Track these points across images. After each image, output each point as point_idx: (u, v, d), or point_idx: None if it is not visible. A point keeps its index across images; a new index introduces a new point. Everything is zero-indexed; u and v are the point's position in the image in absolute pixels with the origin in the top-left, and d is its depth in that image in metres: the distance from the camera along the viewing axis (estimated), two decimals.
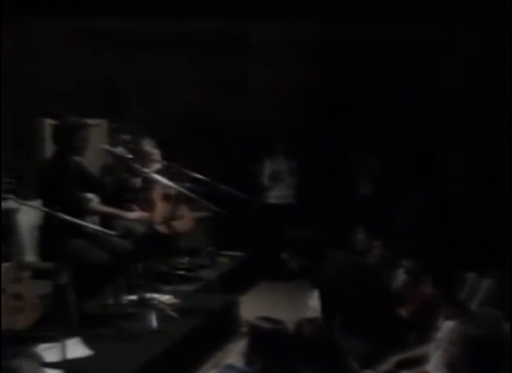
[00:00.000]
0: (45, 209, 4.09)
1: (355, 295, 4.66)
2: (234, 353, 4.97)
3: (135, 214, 5.48)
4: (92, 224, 5.01)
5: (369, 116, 8.93)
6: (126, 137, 6.59)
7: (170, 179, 6.43)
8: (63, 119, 5.31)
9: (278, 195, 8.68)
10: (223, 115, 9.33)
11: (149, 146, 6.69)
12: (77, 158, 5.33)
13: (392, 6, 8.00)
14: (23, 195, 4.99)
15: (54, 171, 5.12)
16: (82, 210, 5.08)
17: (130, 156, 5.53)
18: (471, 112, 8.92)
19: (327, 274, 4.77)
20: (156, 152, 6.70)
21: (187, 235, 7.05)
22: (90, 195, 5.46)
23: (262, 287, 7.92)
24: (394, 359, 4.17)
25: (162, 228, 6.53)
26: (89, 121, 7.37)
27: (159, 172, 6.42)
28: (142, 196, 6.54)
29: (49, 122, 7.44)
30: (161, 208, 6.77)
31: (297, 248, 4.96)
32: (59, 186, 5.02)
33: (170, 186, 6.25)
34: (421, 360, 4.05)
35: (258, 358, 3.55)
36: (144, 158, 6.49)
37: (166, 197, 6.76)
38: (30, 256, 5.16)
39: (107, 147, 5.75)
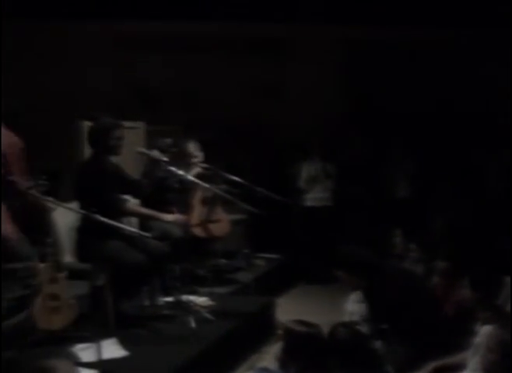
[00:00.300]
0: (81, 211, 4.12)
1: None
2: (269, 356, 4.94)
3: (172, 217, 5.48)
4: (128, 226, 5.02)
5: (407, 118, 8.85)
6: (168, 140, 6.62)
7: (207, 181, 6.46)
8: (97, 120, 5.35)
9: (314, 197, 8.64)
10: (261, 117, 9.34)
11: (192, 148, 6.71)
12: (113, 160, 5.37)
13: (431, 10, 7.93)
14: (62, 196, 5.05)
15: (90, 172, 5.16)
16: (119, 212, 5.11)
17: (165, 159, 5.54)
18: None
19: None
20: (198, 154, 6.71)
21: (225, 237, 7.06)
22: (127, 196, 5.50)
23: (298, 290, 7.90)
24: (431, 365, 4.12)
25: (198, 231, 6.56)
26: (127, 124, 7.51)
27: (197, 174, 6.45)
28: (179, 198, 6.57)
29: (88, 124, 7.52)
30: (198, 210, 6.79)
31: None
32: (95, 187, 5.06)
33: (207, 189, 6.28)
34: (458, 367, 3.99)
35: (292, 362, 3.54)
36: (186, 160, 6.52)
37: (204, 200, 6.78)
38: (68, 257, 5.22)
39: (143, 149, 5.78)
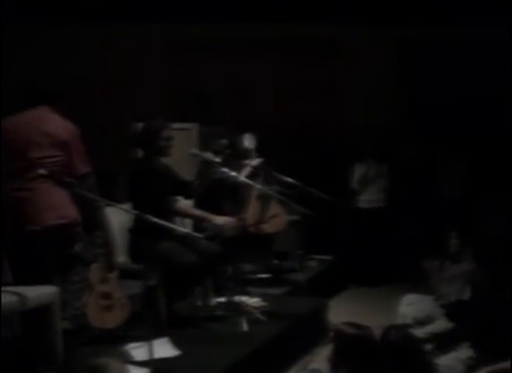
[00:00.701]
0: (134, 211, 4.17)
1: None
2: (321, 358, 4.93)
3: (222, 219, 5.43)
4: (181, 226, 5.06)
5: (458, 117, 8.73)
6: (223, 141, 6.65)
7: (260, 182, 6.49)
8: (146, 122, 5.41)
9: (367, 199, 8.59)
10: (313, 118, 9.32)
11: (247, 141, 6.74)
12: (164, 161, 5.42)
13: (480, 7, 7.80)
14: (118, 197, 5.12)
15: (142, 173, 5.22)
16: (170, 212, 5.15)
17: (218, 160, 5.58)
18: None
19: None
20: (253, 148, 6.73)
21: (278, 237, 7.06)
22: (178, 197, 5.55)
23: (351, 292, 7.86)
24: (485, 369, 4.06)
25: (252, 231, 6.58)
26: (180, 125, 7.58)
27: (249, 175, 6.47)
28: (232, 199, 6.60)
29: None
30: (252, 211, 6.82)
31: None
32: (146, 187, 5.11)
33: (260, 189, 6.30)
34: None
35: (343, 364, 3.52)
36: (240, 161, 6.55)
37: (257, 200, 6.80)
38: (121, 257, 5.29)
39: (195, 151, 5.82)
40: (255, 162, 6.67)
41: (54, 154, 4.64)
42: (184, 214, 5.48)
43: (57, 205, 4.64)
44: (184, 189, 5.54)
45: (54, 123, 4.72)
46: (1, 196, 4.65)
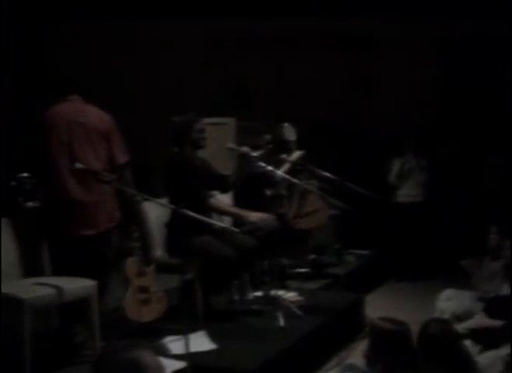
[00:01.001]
0: (170, 205, 4.19)
1: None
2: (357, 353, 4.91)
3: (256, 216, 5.36)
4: (218, 221, 5.07)
5: (495, 112, 8.61)
6: (267, 136, 6.64)
7: (298, 176, 6.48)
8: (179, 117, 5.44)
9: (406, 194, 8.51)
10: (352, 113, 9.27)
11: (287, 132, 6.74)
12: (201, 156, 5.44)
13: None
14: (154, 192, 5.15)
15: (178, 167, 5.25)
16: (205, 207, 5.16)
17: (255, 154, 5.57)
18: None
19: None
20: (293, 139, 6.73)
21: (315, 232, 7.05)
22: (214, 192, 5.56)
23: (388, 287, 7.82)
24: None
25: (294, 226, 6.58)
26: (217, 120, 7.60)
27: (288, 170, 6.47)
28: (271, 193, 6.60)
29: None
30: (291, 205, 6.81)
31: None
32: (182, 182, 5.14)
33: (298, 184, 6.29)
34: None
35: (379, 359, 3.50)
36: (283, 150, 6.56)
37: (296, 195, 6.79)
38: (158, 251, 5.32)
39: (232, 145, 5.82)
40: (296, 154, 6.66)
41: (93, 146, 4.71)
42: (218, 210, 5.46)
43: (110, 209, 4.75)
44: (221, 184, 5.55)
45: (92, 115, 4.78)
46: (51, 195, 4.74)
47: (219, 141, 6.66)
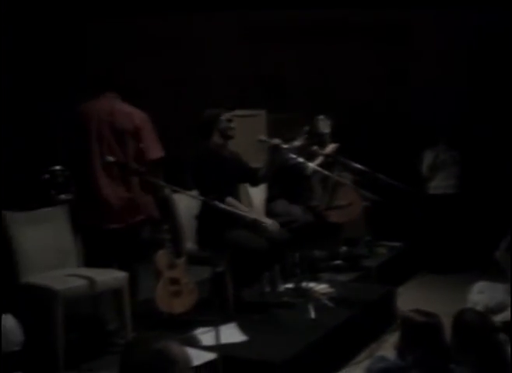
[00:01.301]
0: (201, 197, 4.20)
1: None
2: (389, 345, 4.88)
3: (268, 223, 5.21)
4: (248, 212, 5.06)
5: None
6: (305, 128, 6.63)
7: (331, 169, 6.46)
8: (208, 110, 5.47)
9: (438, 185, 8.43)
10: (386, 104, 9.22)
11: (322, 124, 6.72)
12: (230, 148, 5.45)
13: None
14: (185, 184, 5.17)
15: (205, 159, 5.26)
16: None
17: (285, 146, 5.56)
18: None
19: None
20: (327, 131, 6.72)
21: (347, 224, 7.02)
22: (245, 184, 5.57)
23: (420, 279, 7.76)
24: None
25: (324, 217, 6.58)
26: (249, 112, 7.60)
27: (325, 163, 6.47)
28: (303, 185, 6.59)
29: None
30: (323, 197, 6.80)
31: None
32: (212, 174, 5.15)
33: (330, 176, 6.27)
34: None
35: (410, 351, 3.48)
36: (317, 142, 6.56)
37: (328, 187, 6.78)
38: (189, 243, 5.34)
39: (262, 137, 5.82)
40: (330, 147, 6.64)
41: (120, 145, 4.76)
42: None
43: (139, 203, 4.80)
44: (250, 177, 5.55)
45: (121, 114, 4.83)
46: (83, 188, 4.82)
47: (250, 133, 6.67)
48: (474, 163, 8.53)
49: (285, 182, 6.32)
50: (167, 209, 4.99)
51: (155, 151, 4.85)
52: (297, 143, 6.38)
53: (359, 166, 6.10)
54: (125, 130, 4.78)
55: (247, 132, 6.66)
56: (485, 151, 8.74)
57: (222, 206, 4.38)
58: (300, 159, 5.50)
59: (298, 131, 6.56)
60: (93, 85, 5.15)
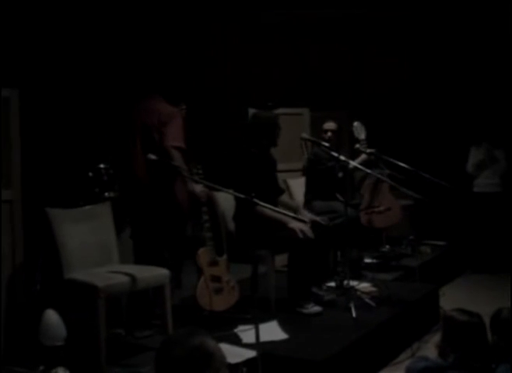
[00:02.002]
0: (242, 195, 4.20)
1: None
2: (431, 345, 4.83)
3: (296, 225, 5.06)
4: (285, 210, 5.04)
5: None
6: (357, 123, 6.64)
7: (372, 166, 6.42)
8: (257, 113, 5.47)
9: (483, 183, 8.31)
10: (426, 100, 9.14)
11: (358, 132, 6.70)
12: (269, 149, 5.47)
13: None
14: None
15: (252, 164, 5.28)
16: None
17: (326, 144, 5.54)
18: None
19: None
20: (363, 136, 6.69)
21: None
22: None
23: (464, 279, 7.67)
24: None
25: (365, 220, 6.55)
26: (292, 110, 7.60)
27: (362, 161, 6.43)
28: (343, 184, 6.57)
29: (252, 111, 7.66)
30: (363, 196, 6.78)
31: None
32: (256, 177, 5.17)
33: (370, 175, 6.24)
34: None
35: (452, 351, 3.44)
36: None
37: (369, 186, 6.75)
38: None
39: (305, 135, 5.81)
40: (364, 155, 6.61)
41: (153, 137, 4.85)
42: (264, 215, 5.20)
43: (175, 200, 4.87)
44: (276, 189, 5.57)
45: (152, 108, 4.91)
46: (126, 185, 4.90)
47: (293, 131, 6.68)
48: None
49: (322, 183, 6.31)
50: (209, 206, 5.00)
51: (174, 140, 4.87)
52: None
53: (401, 164, 6.04)
54: (151, 125, 4.86)
55: (290, 130, 6.67)
56: None
57: (264, 204, 4.33)
58: (342, 157, 5.44)
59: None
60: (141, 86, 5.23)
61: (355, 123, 6.71)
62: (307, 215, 5.32)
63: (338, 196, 6.05)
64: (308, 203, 6.29)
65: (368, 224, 6.62)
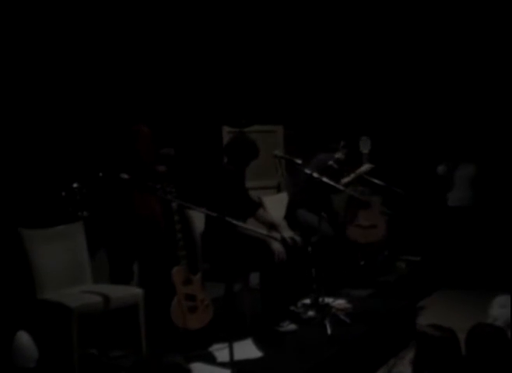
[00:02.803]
0: (213, 213, 4.18)
1: None
2: (406, 361, 4.84)
3: (273, 245, 5.05)
4: (257, 229, 5.02)
5: None
6: (342, 141, 6.67)
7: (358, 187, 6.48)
8: (237, 134, 5.51)
9: (456, 197, 8.36)
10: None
11: (363, 146, 6.76)
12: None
13: None
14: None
15: (228, 181, 5.28)
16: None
17: (299, 161, 5.56)
18: None
19: None
20: (366, 154, 6.75)
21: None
22: None
23: (440, 294, 7.69)
24: None
25: (350, 235, 6.59)
26: (266, 127, 7.63)
27: (352, 182, 6.49)
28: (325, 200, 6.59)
29: (227, 129, 7.68)
30: (345, 213, 6.80)
31: None
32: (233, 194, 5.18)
33: (349, 192, 6.28)
34: None
35: (426, 367, 3.45)
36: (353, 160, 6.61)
37: (353, 203, 6.79)
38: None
39: (277, 152, 5.83)
40: (365, 167, 6.66)
41: None
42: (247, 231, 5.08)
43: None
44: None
45: None
46: None
47: (267, 149, 6.70)
48: (490, 174, 8.43)
49: (313, 193, 6.32)
50: (183, 224, 4.98)
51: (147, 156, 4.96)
52: (337, 155, 6.43)
53: (377, 181, 6.08)
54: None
55: (264, 147, 6.69)
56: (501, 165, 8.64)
57: (234, 222, 4.30)
58: (315, 174, 5.45)
59: (336, 143, 6.60)
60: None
61: (363, 137, 6.79)
62: (284, 233, 5.30)
63: (322, 213, 6.06)
64: (293, 210, 6.29)
65: (352, 238, 6.65)
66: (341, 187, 5.89)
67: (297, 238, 5.37)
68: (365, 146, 6.76)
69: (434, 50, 9.03)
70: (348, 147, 6.65)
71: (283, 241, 5.16)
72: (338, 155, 6.48)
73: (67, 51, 6.00)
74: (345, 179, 6.46)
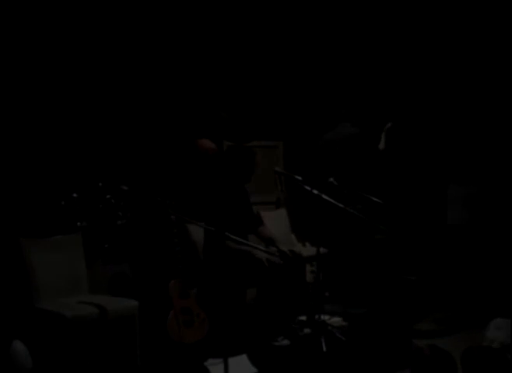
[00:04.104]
0: (211, 228, 4.19)
1: None
2: None
3: (263, 255, 5.08)
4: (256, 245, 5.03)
5: None
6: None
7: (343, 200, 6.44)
8: (237, 148, 5.52)
9: (454, 217, 8.35)
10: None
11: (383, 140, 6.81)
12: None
13: None
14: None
15: (225, 196, 5.29)
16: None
17: (299, 178, 5.56)
18: None
19: None
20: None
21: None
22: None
23: (437, 314, 7.66)
24: None
25: None
26: (266, 143, 7.64)
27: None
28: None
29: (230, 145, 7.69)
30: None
31: None
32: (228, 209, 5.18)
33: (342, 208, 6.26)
34: None
35: None
36: None
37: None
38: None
39: (278, 169, 5.84)
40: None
41: None
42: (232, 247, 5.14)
43: None
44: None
45: None
46: None
47: (267, 164, 6.72)
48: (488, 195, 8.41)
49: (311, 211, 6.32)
50: (181, 238, 4.99)
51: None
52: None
53: (373, 198, 6.08)
54: None
55: (264, 163, 6.70)
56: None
57: (230, 236, 4.30)
58: (314, 191, 5.45)
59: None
60: None
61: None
62: (282, 247, 5.31)
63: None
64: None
65: None
66: (340, 205, 5.89)
67: (297, 250, 5.39)
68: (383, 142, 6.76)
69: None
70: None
71: (282, 254, 5.17)
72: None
73: (65, 61, 6.02)
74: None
